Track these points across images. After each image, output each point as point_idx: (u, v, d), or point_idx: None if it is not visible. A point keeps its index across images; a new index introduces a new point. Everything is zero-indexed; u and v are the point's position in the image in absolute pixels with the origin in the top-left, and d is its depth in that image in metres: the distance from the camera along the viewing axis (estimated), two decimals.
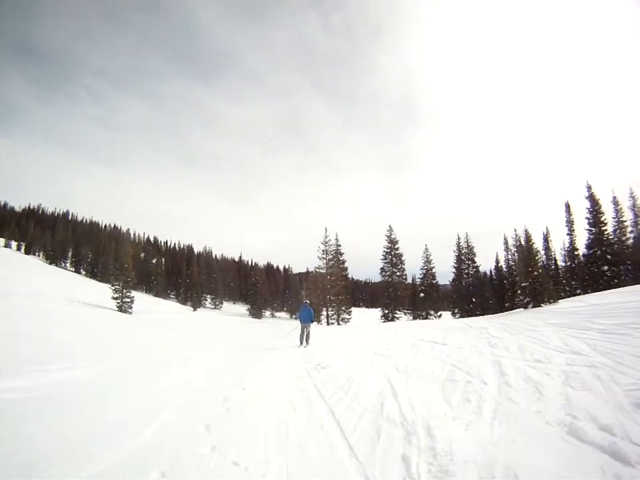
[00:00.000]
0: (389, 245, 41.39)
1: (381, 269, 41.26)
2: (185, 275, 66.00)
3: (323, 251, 39.92)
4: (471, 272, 42.24)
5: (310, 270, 64.65)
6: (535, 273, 22.24)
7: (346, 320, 38.71)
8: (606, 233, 32.30)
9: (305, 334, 12.49)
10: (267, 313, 66.50)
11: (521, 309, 23.18)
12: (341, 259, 40.39)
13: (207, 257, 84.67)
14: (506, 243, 46.48)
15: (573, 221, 33.75)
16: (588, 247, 32.64)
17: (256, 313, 58.51)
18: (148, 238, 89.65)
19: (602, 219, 32.85)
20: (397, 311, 39.40)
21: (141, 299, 50.13)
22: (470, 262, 42.42)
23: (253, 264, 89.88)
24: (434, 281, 42.39)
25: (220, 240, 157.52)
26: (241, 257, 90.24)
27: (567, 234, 36.16)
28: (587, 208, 33.47)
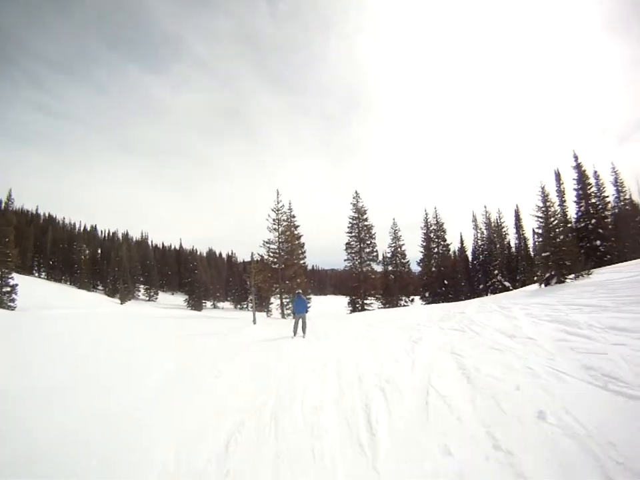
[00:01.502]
0: (355, 215, 34.52)
1: (346, 244, 34.24)
2: (114, 263, 56.48)
3: (274, 220, 31.11)
4: (441, 251, 37.99)
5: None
6: (558, 239, 17.54)
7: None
8: (597, 204, 29.26)
9: (302, 324, 11.94)
10: (209, 304, 58.82)
11: (537, 286, 18.59)
12: (296, 232, 31.86)
13: (143, 244, 74.78)
14: (475, 220, 43.01)
15: (564, 191, 30.08)
16: (578, 220, 29.20)
17: (195, 304, 50.59)
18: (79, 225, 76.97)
19: (590, 191, 29.64)
20: (367, 298, 32.94)
21: (51, 291, 41.98)
22: (440, 240, 38.06)
23: (194, 250, 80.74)
24: (404, 261, 36.51)
25: (162, 229, 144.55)
26: (181, 244, 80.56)
27: (558, 205, 32.40)
28: (575, 179, 30.15)
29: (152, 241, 79.11)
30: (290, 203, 32.47)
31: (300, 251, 31.52)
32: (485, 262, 39.32)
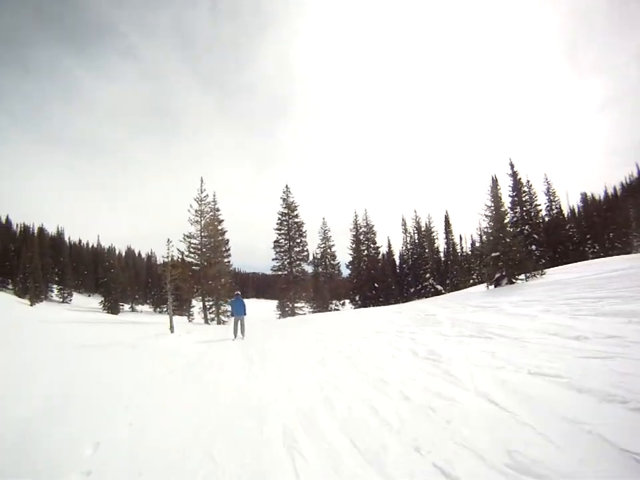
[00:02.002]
0: (285, 211, 32.83)
1: (275, 242, 32.30)
2: (25, 259, 49.36)
3: (196, 211, 27.95)
4: (371, 254, 38.05)
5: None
6: (508, 239, 17.83)
7: (228, 315, 28.38)
8: (530, 211, 31.34)
9: (240, 326, 12.02)
10: (127, 307, 54.09)
11: (483, 287, 18.99)
12: (220, 228, 28.89)
13: (57, 241, 66.98)
14: (404, 224, 43.87)
15: (500, 197, 31.42)
16: (513, 225, 30.82)
17: (111, 306, 46.10)
18: None
19: (524, 198, 31.90)
20: (298, 301, 31.51)
21: None
22: (370, 243, 38.07)
23: (112, 248, 73.99)
24: (334, 262, 36.04)
25: (80, 226, 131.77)
26: (98, 242, 73.43)
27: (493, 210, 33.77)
28: (510, 185, 31.90)
29: (69, 238, 71.29)
30: (215, 195, 29.78)
31: (224, 248, 29.22)
32: (414, 266, 40.11)
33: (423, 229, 42.27)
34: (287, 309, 30.80)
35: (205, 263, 27.44)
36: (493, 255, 18.50)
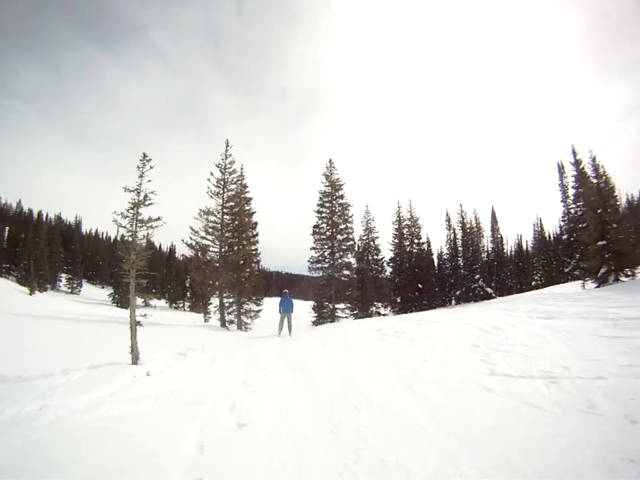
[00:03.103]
0: (328, 190, 26.42)
1: (314, 228, 26.02)
2: (32, 245, 46.19)
3: (217, 180, 21.42)
4: (415, 250, 33.39)
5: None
6: (614, 225, 13.50)
7: (252, 316, 23.11)
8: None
9: (287, 323, 12.48)
10: (139, 300, 50.04)
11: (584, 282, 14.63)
12: (247, 208, 22.98)
13: (73, 230, 64.73)
14: (448, 220, 38.93)
15: (567, 186, 26.65)
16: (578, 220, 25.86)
17: (121, 299, 41.96)
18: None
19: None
20: (338, 304, 25.06)
21: None
22: (414, 238, 33.37)
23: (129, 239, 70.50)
24: (377, 257, 30.52)
25: (102, 217, 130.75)
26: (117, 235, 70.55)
27: (562, 201, 28.77)
28: (573, 176, 26.75)
29: (87, 229, 69.00)
30: (242, 169, 23.32)
31: (252, 233, 23.49)
32: (458, 266, 35.35)
33: (467, 226, 37.27)
34: (325, 311, 24.88)
35: (226, 248, 21.09)
36: (598, 244, 14.12)
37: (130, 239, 6.88)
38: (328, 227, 25.84)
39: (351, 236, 26.26)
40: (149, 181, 6.98)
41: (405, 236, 32.66)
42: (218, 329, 18.04)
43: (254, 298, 23.55)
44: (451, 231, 37.55)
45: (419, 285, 30.95)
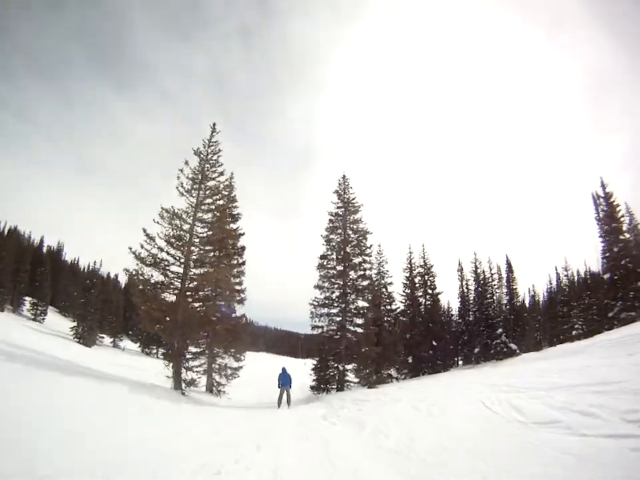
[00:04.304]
0: (341, 212, 19.91)
1: (320, 258, 19.16)
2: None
3: (193, 171, 15.09)
4: (428, 302, 29.34)
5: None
6: None
7: (229, 375, 17.20)
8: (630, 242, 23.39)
9: (286, 396, 13.22)
10: (107, 340, 43.81)
11: None
12: (234, 227, 18.12)
13: (54, 255, 61.01)
14: (460, 269, 35.19)
15: (605, 219, 23.88)
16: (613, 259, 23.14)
17: (84, 336, 35.33)
18: None
19: (622, 227, 24.20)
20: (347, 365, 18.08)
21: None
22: (427, 288, 29.43)
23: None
24: (392, 307, 25.84)
25: (96, 252, 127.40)
26: (101, 264, 65.17)
27: (600, 235, 25.31)
28: (603, 210, 24.00)
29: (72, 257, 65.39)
30: (232, 177, 18.68)
31: (237, 260, 18.15)
32: (475, 320, 31.19)
33: (481, 277, 33.50)
34: (329, 374, 17.85)
35: (193, 267, 14.44)
36: None
37: None
38: (339, 260, 19.11)
39: (367, 272, 19.77)
40: None
41: (417, 285, 28.70)
42: (163, 396, 10.31)
43: (232, 350, 17.37)
44: (464, 282, 33.83)
45: (433, 342, 26.64)
